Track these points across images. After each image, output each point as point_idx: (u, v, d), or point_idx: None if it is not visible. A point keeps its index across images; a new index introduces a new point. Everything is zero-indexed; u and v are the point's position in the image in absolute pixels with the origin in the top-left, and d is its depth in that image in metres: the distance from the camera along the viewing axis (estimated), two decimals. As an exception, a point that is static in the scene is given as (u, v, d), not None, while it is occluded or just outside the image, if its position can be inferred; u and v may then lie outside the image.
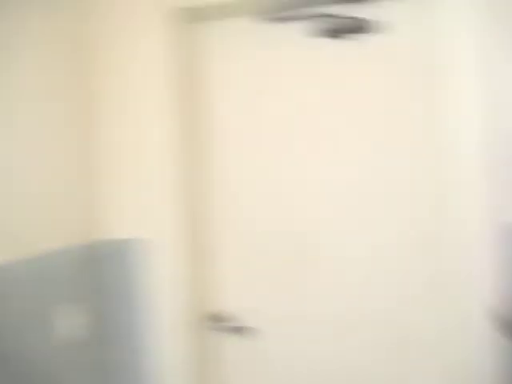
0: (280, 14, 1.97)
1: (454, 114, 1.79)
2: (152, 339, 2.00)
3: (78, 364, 1.88)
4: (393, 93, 1.92)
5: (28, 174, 1.73)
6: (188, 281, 1.98)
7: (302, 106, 1.99)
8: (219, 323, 2.03)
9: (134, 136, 2.02)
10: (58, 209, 1.85)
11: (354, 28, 1.92)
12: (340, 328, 1.97)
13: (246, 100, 2.03)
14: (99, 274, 2.03)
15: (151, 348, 2.00)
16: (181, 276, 1.97)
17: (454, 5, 1.77)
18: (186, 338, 1.97)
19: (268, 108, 2.02)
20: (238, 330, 2.03)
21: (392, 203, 1.93)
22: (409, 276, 1.92)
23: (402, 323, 1.92)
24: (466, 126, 1.77)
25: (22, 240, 1.69)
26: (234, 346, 2.05)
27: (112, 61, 2.03)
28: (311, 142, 1.99)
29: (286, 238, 2.01)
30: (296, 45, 1.98)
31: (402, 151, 1.92)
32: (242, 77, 2.03)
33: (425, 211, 1.90)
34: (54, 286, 1.78)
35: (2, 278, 1.57)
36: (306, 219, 1.99)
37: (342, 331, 1.97)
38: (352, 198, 1.96)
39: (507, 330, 1.67)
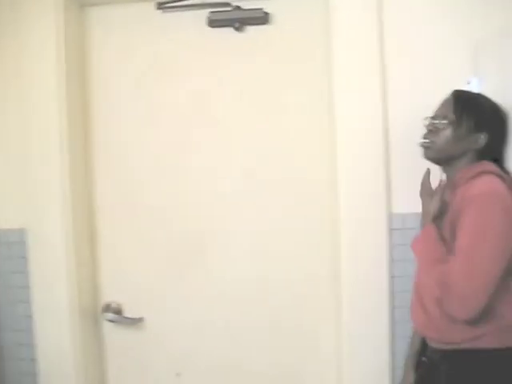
0: (174, 3, 1.98)
1: (345, 103, 1.85)
2: (36, 331, 1.97)
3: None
4: (284, 82, 1.98)
5: None
6: (73, 272, 1.96)
7: (195, 94, 2.01)
8: (106, 314, 2.02)
9: (19, 124, 1.97)
10: None
11: (249, 19, 1.96)
12: (224, 319, 2.04)
13: (138, 86, 2.03)
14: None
15: (35, 340, 1.98)
16: (66, 267, 1.94)
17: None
18: (71, 329, 1.95)
19: (160, 95, 2.02)
20: (126, 321, 2.04)
21: (282, 189, 2.00)
22: (295, 269, 2.01)
23: (285, 313, 2.02)
24: (358, 114, 1.83)
25: None
26: (121, 336, 2.07)
27: (3, 46, 1.98)
28: (200, 129, 2.02)
29: (173, 229, 2.04)
30: (190, 33, 2.00)
31: (292, 138, 1.99)
32: (134, 63, 2.03)
33: (315, 200, 1.99)
34: None
35: None
36: (196, 210, 2.03)
37: (226, 323, 2.04)
38: (240, 186, 2.02)
39: None
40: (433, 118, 1.59)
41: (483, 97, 1.59)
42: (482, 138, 1.53)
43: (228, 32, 1.98)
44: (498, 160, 1.57)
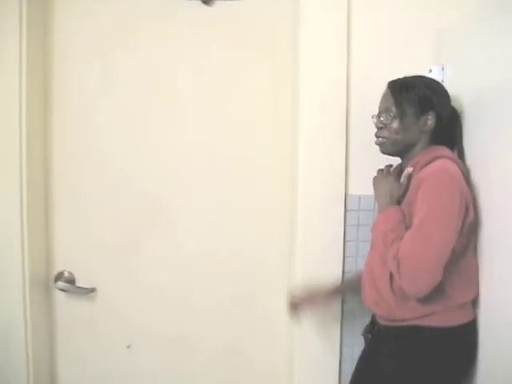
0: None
1: (309, 83, 1.88)
2: None
3: None
4: (249, 58, 1.99)
5: None
6: (26, 239, 1.90)
7: (157, 66, 1.99)
8: (58, 283, 2.00)
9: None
10: None
11: None
12: (176, 292, 2.05)
13: (98, 57, 1.98)
14: None
15: None
16: (19, 234, 1.89)
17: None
18: (22, 296, 1.91)
19: (120, 66, 1.99)
20: (78, 290, 2.02)
21: (241, 165, 2.03)
22: (251, 245, 2.04)
23: (238, 286, 2.05)
24: (321, 95, 1.87)
25: None
26: (72, 306, 2.05)
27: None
28: (161, 102, 2.01)
29: (129, 200, 2.03)
30: (155, 3, 1.97)
31: (253, 115, 2.01)
32: (94, 32, 1.97)
33: (274, 177, 2.02)
34: None
35: None
36: (152, 182, 2.03)
37: (178, 295, 2.05)
38: (199, 161, 2.02)
39: None
40: (378, 114, 1.63)
41: (418, 78, 1.62)
42: (430, 118, 1.57)
43: (195, 5, 1.96)
44: (453, 143, 1.62)
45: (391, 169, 1.68)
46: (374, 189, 1.67)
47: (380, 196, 1.64)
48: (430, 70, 1.80)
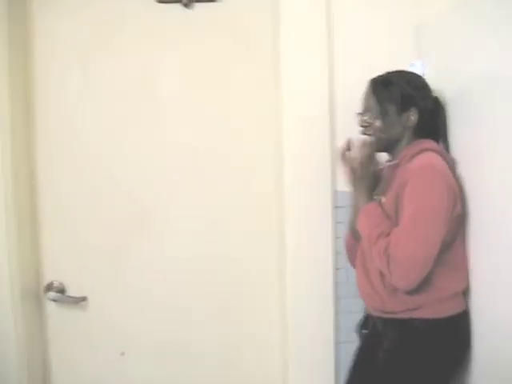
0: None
1: (292, 80, 1.88)
2: None
3: None
4: (231, 59, 2.00)
5: None
6: (15, 250, 1.90)
7: (141, 69, 2.00)
8: (49, 293, 1.99)
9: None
10: None
11: None
12: (168, 298, 2.04)
13: (83, 59, 1.98)
14: None
15: None
16: (7, 245, 1.88)
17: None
18: (12, 308, 1.90)
19: (105, 69, 1.99)
20: (69, 300, 2.01)
21: (227, 165, 2.02)
22: (240, 246, 2.03)
23: (230, 290, 2.05)
24: (304, 91, 1.87)
25: None
26: (64, 316, 2.04)
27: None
28: (146, 105, 2.00)
29: (116, 207, 2.02)
30: (137, 7, 1.98)
31: (238, 114, 2.01)
32: (78, 35, 1.97)
33: (261, 176, 2.02)
34: None
35: None
36: (140, 186, 2.02)
37: (170, 301, 2.04)
38: (185, 162, 2.02)
39: None
40: (361, 114, 1.64)
41: (398, 74, 1.63)
42: (413, 114, 1.58)
43: (176, 8, 1.96)
44: (438, 135, 1.63)
45: (364, 150, 1.63)
46: (353, 183, 1.65)
47: (358, 191, 1.64)
48: (412, 64, 1.81)
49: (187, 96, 2.00)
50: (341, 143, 1.72)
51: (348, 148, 1.67)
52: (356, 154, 1.62)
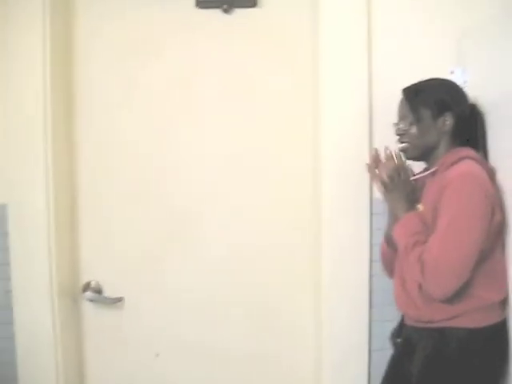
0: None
1: (331, 88, 1.88)
2: (15, 308, 1.94)
3: None
4: (270, 66, 2.00)
5: None
6: (54, 249, 1.93)
7: (180, 75, 2.01)
8: (86, 293, 2.02)
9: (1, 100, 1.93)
10: None
11: (238, 1, 1.98)
12: (204, 299, 2.05)
13: (123, 67, 2.01)
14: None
15: (14, 317, 1.95)
16: (46, 244, 1.92)
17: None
18: (50, 307, 1.93)
19: (145, 75, 2.01)
20: (105, 300, 2.04)
21: (265, 174, 2.03)
22: (277, 251, 2.04)
23: (265, 291, 2.04)
24: (343, 101, 1.88)
25: None
26: (100, 316, 2.06)
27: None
28: (185, 112, 2.02)
29: (155, 209, 2.04)
30: (177, 13, 2.00)
31: (276, 123, 2.01)
32: (120, 42, 2.01)
33: (299, 185, 2.02)
34: None
35: None
36: (178, 190, 2.04)
37: (205, 303, 2.05)
38: (223, 170, 2.03)
39: None
40: (397, 122, 1.64)
41: (431, 81, 1.63)
42: (448, 119, 1.57)
43: (216, 13, 1.98)
44: (477, 144, 1.61)
45: (399, 164, 1.62)
46: (388, 194, 1.62)
47: (392, 203, 1.62)
48: (452, 72, 1.79)
49: (225, 102, 2.02)
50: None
51: (376, 161, 1.66)
52: (384, 168, 1.61)
